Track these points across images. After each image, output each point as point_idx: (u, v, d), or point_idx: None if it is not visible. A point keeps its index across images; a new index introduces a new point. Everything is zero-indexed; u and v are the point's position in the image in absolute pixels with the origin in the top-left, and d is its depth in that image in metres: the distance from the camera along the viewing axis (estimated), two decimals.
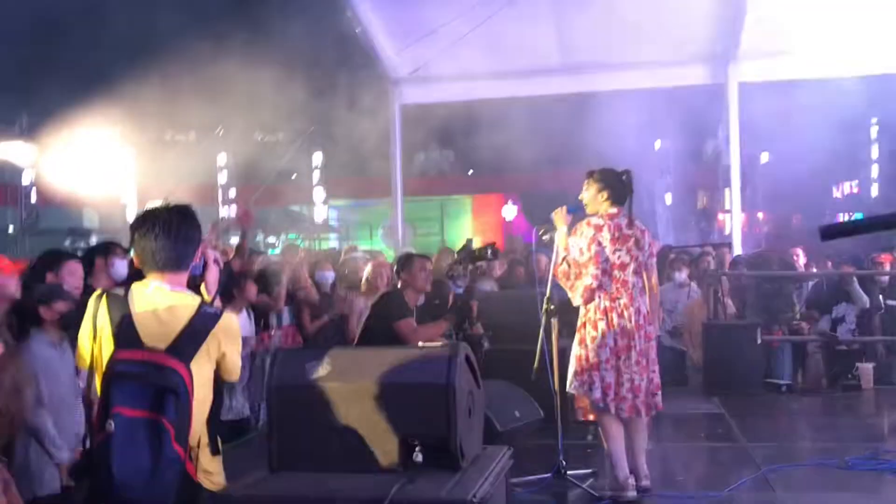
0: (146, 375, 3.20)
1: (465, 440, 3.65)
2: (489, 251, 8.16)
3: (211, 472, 3.34)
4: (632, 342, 5.90)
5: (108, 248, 6.31)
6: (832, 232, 1.77)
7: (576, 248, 5.98)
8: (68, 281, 5.59)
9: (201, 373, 3.28)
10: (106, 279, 5.89)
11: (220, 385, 3.46)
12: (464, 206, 25.01)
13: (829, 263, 10.98)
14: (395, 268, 7.48)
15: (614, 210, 6.02)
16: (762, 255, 11.11)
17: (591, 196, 6.09)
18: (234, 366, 3.42)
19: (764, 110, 13.92)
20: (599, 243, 5.92)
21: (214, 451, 3.39)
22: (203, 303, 3.37)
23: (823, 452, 7.03)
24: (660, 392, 6.04)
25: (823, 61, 12.71)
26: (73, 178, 15.90)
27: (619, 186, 6.06)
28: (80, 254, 6.95)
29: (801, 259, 10.69)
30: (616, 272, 5.93)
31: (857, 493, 6.14)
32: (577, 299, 6.05)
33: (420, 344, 4.51)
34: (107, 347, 3.31)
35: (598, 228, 5.96)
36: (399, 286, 7.05)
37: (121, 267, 6.03)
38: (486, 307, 7.78)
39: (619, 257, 5.94)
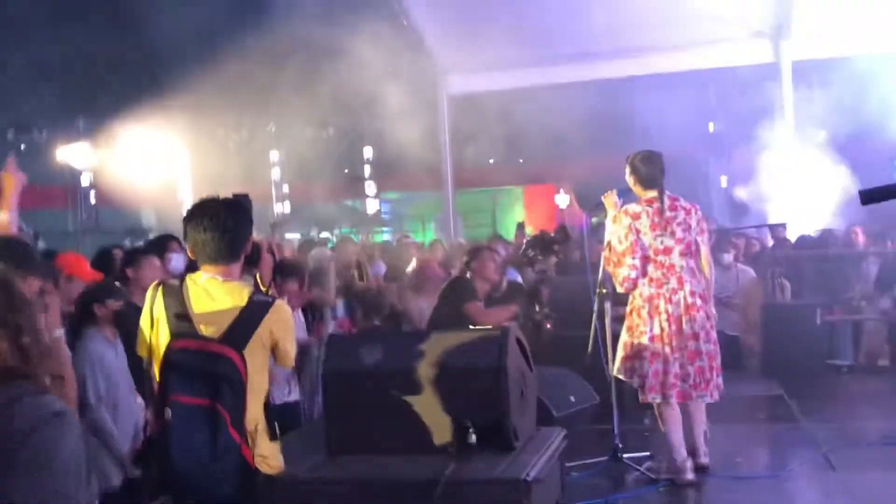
0: (201, 364, 3.29)
1: (517, 421, 3.67)
2: (560, 235, 8.17)
3: (268, 456, 3.40)
4: (682, 327, 5.83)
5: (162, 245, 6.38)
6: (871, 196, 1.74)
7: (615, 237, 5.95)
8: (149, 274, 5.71)
9: (255, 360, 3.34)
10: (164, 274, 5.98)
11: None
12: (515, 196, 24.95)
13: (889, 243, 10.77)
14: (465, 258, 7.67)
15: (652, 194, 5.94)
16: (820, 234, 10.92)
17: (628, 181, 6.06)
18: (288, 353, 3.47)
19: (819, 87, 13.67)
20: (637, 231, 5.85)
21: (273, 437, 3.44)
22: (255, 292, 3.44)
23: (886, 433, 6.90)
24: (718, 375, 5.95)
25: (879, 35, 12.43)
26: (129, 178, 16.19)
27: (646, 169, 5.97)
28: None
29: (860, 237, 10.48)
30: (660, 257, 5.86)
31: None
32: (619, 287, 6.02)
33: (471, 328, 4.54)
34: (163, 337, 3.40)
35: (636, 216, 5.89)
36: (469, 275, 7.25)
37: (177, 261, 6.13)
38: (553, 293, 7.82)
39: (661, 242, 5.85)
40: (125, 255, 5.98)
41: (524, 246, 9.22)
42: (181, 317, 3.37)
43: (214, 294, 3.39)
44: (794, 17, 12.31)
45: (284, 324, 3.44)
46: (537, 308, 7.52)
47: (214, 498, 3.29)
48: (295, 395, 7.42)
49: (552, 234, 8.31)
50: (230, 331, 3.32)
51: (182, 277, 3.62)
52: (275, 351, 3.43)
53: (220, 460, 3.24)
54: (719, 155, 19.39)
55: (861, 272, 10.02)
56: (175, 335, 3.36)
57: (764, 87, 14.30)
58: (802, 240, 11.12)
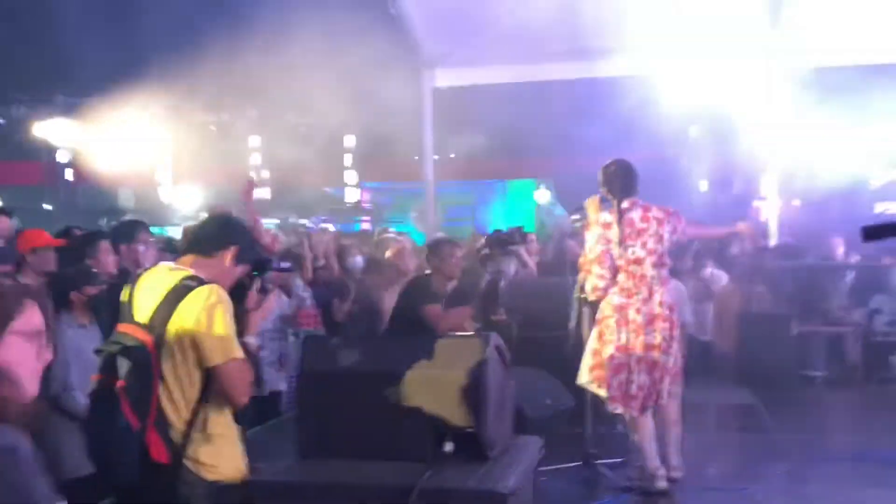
0: (120, 347, 3.26)
1: (494, 431, 3.62)
2: (517, 234, 8.06)
3: (206, 462, 3.29)
4: (647, 338, 5.80)
5: (130, 233, 6.16)
6: (877, 232, 1.69)
7: (588, 246, 5.94)
8: (104, 261, 5.61)
9: (180, 350, 3.25)
10: (131, 263, 5.84)
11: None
12: (496, 191, 24.92)
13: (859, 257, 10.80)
14: (425, 253, 7.46)
15: (626, 204, 5.91)
16: (798, 244, 10.96)
17: (601, 190, 6.03)
18: (205, 348, 3.23)
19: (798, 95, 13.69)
20: (608, 241, 5.84)
21: (227, 442, 3.36)
22: (187, 277, 3.32)
23: (857, 447, 6.93)
24: (667, 382, 5.90)
25: (864, 46, 12.46)
26: (108, 157, 16.02)
27: (619, 180, 5.94)
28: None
29: (840, 249, 10.50)
30: (631, 267, 5.83)
31: (891, 490, 6.04)
32: (589, 295, 5.99)
33: (451, 333, 4.48)
34: None
35: (607, 226, 5.87)
36: (429, 272, 7.01)
37: (144, 251, 5.98)
38: (515, 294, 7.70)
39: (632, 253, 5.83)
40: (81, 241, 5.78)
41: (483, 244, 9.09)
42: (128, 303, 3.39)
43: (157, 280, 3.37)
44: (784, 24, 12.30)
45: (200, 314, 3.22)
46: (488, 309, 7.36)
47: (115, 484, 3.30)
48: (280, 385, 7.34)
49: (508, 234, 8.20)
50: (152, 317, 3.28)
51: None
52: (195, 343, 3.21)
53: (115, 446, 3.19)
54: (699, 159, 19.43)
55: (838, 283, 10.06)
56: (120, 321, 3.39)
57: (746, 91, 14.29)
58: (780, 248, 11.15)
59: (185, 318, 3.23)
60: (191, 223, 3.54)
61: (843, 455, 6.78)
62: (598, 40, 12.73)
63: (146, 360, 3.21)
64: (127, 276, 4.15)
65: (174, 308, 3.25)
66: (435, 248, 7.10)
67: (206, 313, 3.23)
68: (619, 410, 5.87)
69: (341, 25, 12.28)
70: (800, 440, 7.07)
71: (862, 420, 8.19)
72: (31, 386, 2.09)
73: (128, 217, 15.19)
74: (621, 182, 5.94)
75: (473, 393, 3.54)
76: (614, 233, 5.83)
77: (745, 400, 8.45)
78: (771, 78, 12.82)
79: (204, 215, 3.58)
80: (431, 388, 3.57)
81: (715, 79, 13.27)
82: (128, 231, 6.16)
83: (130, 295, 3.42)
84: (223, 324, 3.25)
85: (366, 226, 21.29)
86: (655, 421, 5.95)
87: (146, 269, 3.56)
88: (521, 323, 7.97)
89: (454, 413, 3.56)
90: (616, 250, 5.82)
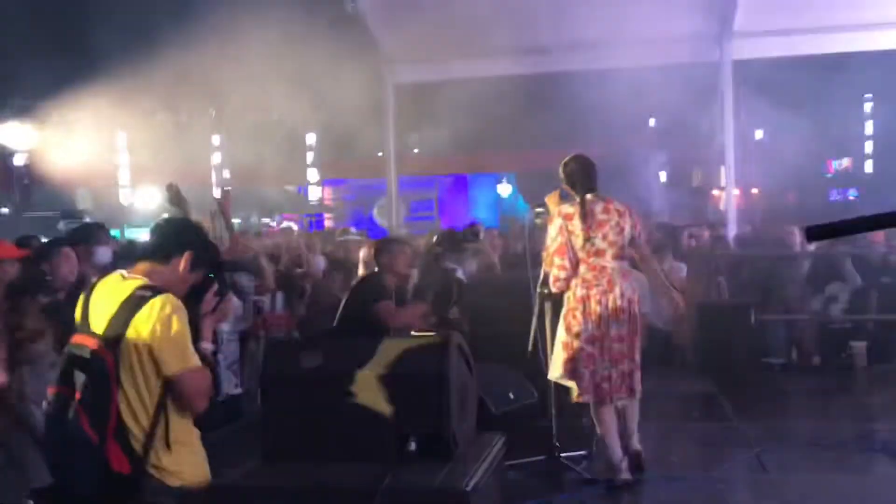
0: (76, 358, 3.23)
1: (458, 429, 3.66)
2: (470, 233, 8.05)
3: (169, 469, 3.27)
4: (610, 329, 5.85)
5: (89, 235, 6.14)
6: (819, 233, 1.74)
7: (549, 237, 5.97)
8: (61, 268, 5.57)
9: (138, 360, 3.23)
10: (89, 267, 5.80)
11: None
12: (459, 185, 24.99)
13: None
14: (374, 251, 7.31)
15: (589, 197, 5.96)
16: (757, 233, 11.10)
17: (563, 185, 6.07)
18: (164, 361, 3.21)
19: (759, 86, 13.88)
20: (569, 232, 5.88)
21: (188, 449, 3.34)
22: (141, 286, 3.30)
23: (817, 433, 7.05)
24: (638, 376, 5.99)
25: (818, 38, 12.65)
26: (66, 159, 15.83)
27: (579, 174, 5.98)
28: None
29: (796, 237, 10.64)
30: (592, 259, 5.87)
31: (850, 475, 6.17)
32: (552, 287, 6.02)
33: (413, 333, 4.51)
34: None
35: (569, 217, 5.90)
36: (378, 270, 6.90)
37: (104, 254, 5.95)
38: (474, 290, 7.73)
39: (593, 244, 5.88)
40: (40, 249, 5.75)
41: (436, 243, 9.10)
42: (83, 312, 3.36)
43: (111, 289, 3.34)
44: (738, 16, 12.44)
45: (155, 324, 3.20)
46: (441, 307, 7.36)
47: (75, 497, 3.26)
48: (239, 389, 7.34)
49: (462, 232, 8.20)
50: (107, 327, 3.24)
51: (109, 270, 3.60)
52: (152, 353, 3.20)
53: (74, 459, 3.17)
54: (659, 150, 19.61)
55: (795, 271, 10.19)
56: (75, 331, 3.35)
57: (706, 82, 14.46)
58: (739, 238, 11.28)
59: (140, 328, 3.21)
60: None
61: (804, 441, 6.89)
62: (557, 36, 12.83)
63: (103, 372, 3.18)
64: (85, 283, 4.12)
65: (129, 318, 3.22)
66: (385, 246, 7.03)
67: (161, 323, 3.21)
68: (590, 401, 5.91)
69: (301, 23, 12.23)
70: (760, 427, 7.16)
71: (821, 406, 8.32)
72: None
73: (86, 219, 15.06)
74: (581, 177, 5.98)
75: (436, 392, 3.58)
76: (576, 224, 5.87)
77: (706, 389, 8.56)
78: (725, 70, 13.00)
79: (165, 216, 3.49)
80: (394, 388, 3.60)
81: (670, 72, 13.43)
82: (85, 233, 6.15)
83: (86, 304, 3.38)
84: (179, 333, 3.24)
85: (328, 223, 21.27)
86: (616, 412, 6.01)
87: (100, 278, 3.53)
88: (476, 320, 7.99)
89: (417, 412, 3.59)
90: (578, 241, 5.87)
